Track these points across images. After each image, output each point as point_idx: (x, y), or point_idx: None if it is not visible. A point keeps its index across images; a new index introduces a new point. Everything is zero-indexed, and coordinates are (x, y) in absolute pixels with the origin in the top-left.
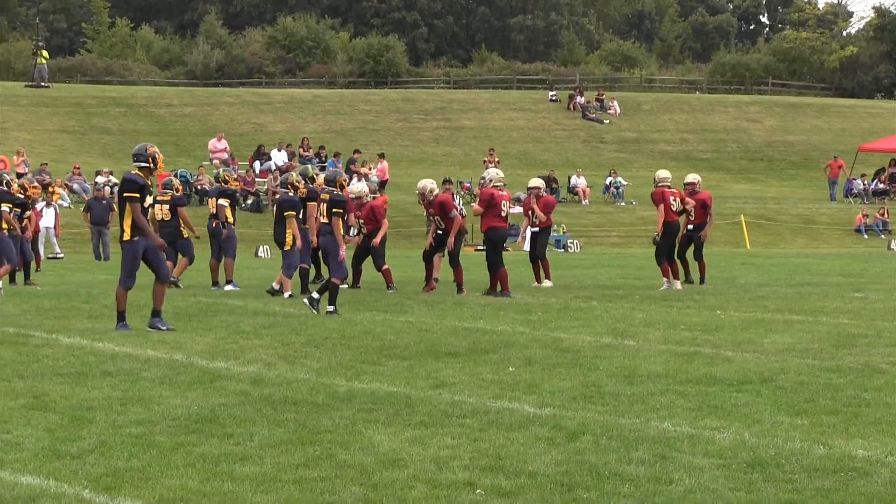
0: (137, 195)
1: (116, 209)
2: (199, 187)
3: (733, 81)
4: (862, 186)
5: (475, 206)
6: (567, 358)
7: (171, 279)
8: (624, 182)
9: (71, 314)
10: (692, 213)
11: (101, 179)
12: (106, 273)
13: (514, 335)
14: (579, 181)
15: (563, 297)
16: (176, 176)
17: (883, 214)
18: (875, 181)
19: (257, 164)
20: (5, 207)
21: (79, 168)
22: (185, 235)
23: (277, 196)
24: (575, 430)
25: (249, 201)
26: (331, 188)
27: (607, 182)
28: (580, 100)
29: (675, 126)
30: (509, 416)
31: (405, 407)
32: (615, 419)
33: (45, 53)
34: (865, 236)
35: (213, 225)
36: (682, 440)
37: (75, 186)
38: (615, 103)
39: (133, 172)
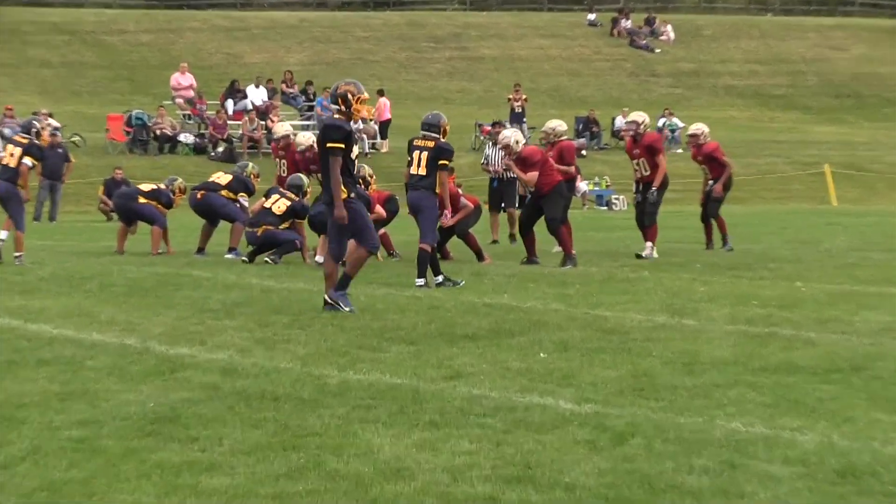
0: (342, 145)
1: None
2: (158, 132)
3: (813, 0)
4: None
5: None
6: (612, 342)
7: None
8: (680, 124)
9: None
10: (706, 170)
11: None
12: (46, 238)
13: (547, 313)
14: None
15: (607, 265)
16: (131, 118)
17: None
18: None
19: (230, 104)
20: None
21: (11, 109)
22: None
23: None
24: (622, 431)
25: (220, 149)
26: (433, 134)
27: (660, 124)
28: (626, 23)
29: (743, 55)
30: (540, 414)
31: (412, 403)
32: (672, 417)
33: None
34: None
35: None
36: (755, 443)
37: (6, 131)
38: (669, 28)
39: (335, 117)
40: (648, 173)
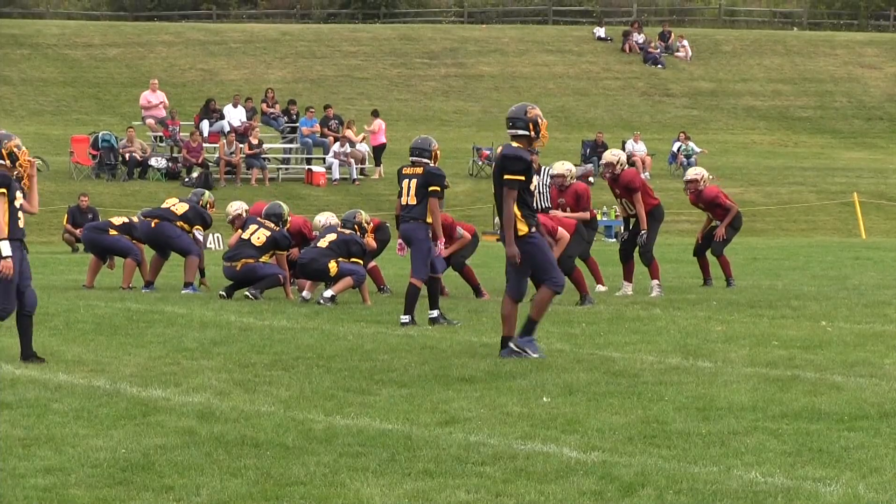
0: (522, 178)
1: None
2: (127, 156)
3: (843, 14)
4: None
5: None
6: (621, 385)
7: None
8: (697, 149)
9: None
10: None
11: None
12: None
13: (550, 354)
14: (637, 147)
15: (616, 303)
16: (97, 139)
17: None
18: None
19: (205, 125)
20: None
21: None
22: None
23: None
24: (631, 481)
25: (195, 174)
26: (423, 159)
27: (675, 148)
28: (638, 38)
29: (766, 73)
30: (543, 463)
31: (404, 450)
32: (685, 467)
33: None
34: None
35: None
36: (774, 495)
37: None
38: (685, 43)
39: (513, 145)
40: (634, 212)
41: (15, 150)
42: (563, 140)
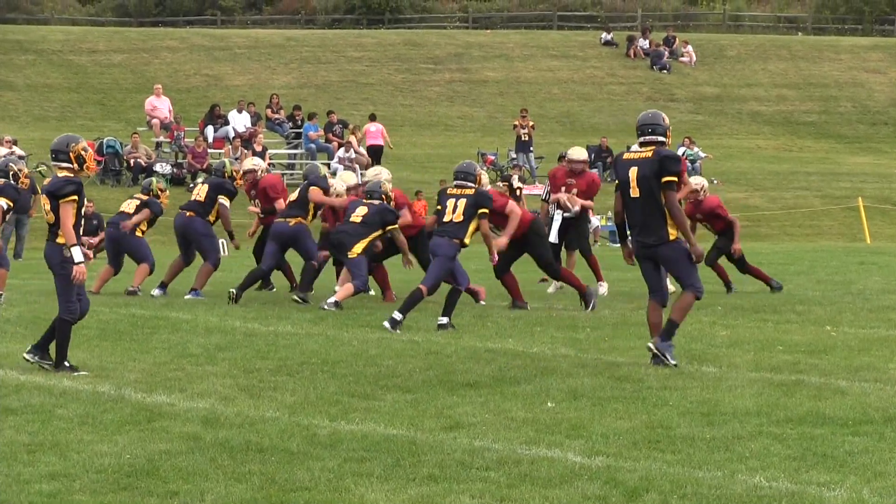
0: (676, 179)
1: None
2: (132, 161)
3: (848, 19)
4: None
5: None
6: (625, 390)
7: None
8: (702, 154)
9: None
10: (708, 226)
11: (1, 151)
12: (11, 276)
13: (555, 359)
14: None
15: (620, 308)
16: (102, 145)
17: None
18: None
19: (210, 131)
20: None
21: None
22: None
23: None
24: (636, 486)
25: (200, 180)
26: (468, 183)
27: (680, 153)
28: (643, 43)
29: (770, 79)
30: (548, 468)
31: (409, 455)
32: (689, 472)
33: None
34: None
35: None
36: (779, 500)
37: None
38: (690, 48)
39: (668, 149)
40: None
41: (83, 152)
42: (568, 145)
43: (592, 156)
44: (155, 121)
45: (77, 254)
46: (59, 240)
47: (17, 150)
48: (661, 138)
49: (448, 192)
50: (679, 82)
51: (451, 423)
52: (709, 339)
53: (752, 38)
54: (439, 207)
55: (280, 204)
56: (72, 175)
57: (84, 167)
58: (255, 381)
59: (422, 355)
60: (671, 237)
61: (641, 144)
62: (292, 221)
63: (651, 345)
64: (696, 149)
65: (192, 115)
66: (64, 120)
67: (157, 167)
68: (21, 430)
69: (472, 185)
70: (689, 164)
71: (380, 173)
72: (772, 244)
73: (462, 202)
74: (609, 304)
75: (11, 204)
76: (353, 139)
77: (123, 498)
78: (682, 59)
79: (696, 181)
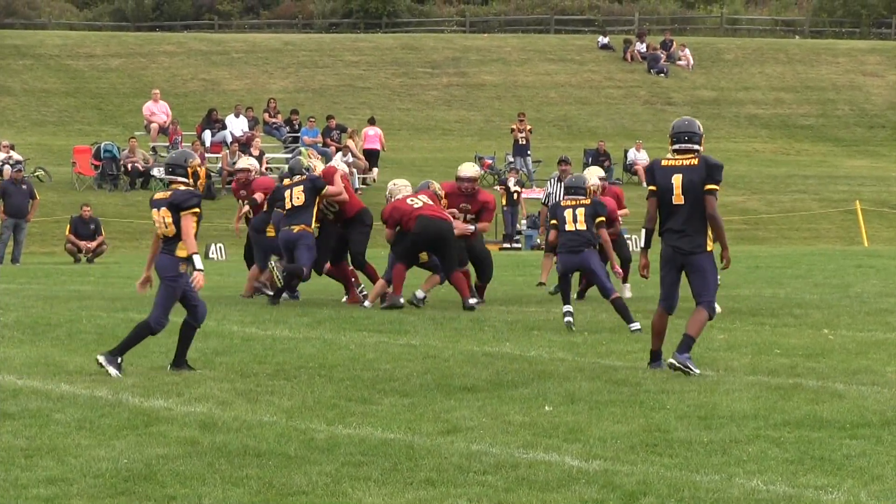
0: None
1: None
2: (129, 166)
3: (845, 22)
4: None
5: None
6: (623, 393)
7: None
8: None
9: None
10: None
11: None
12: (9, 281)
13: (552, 363)
14: (639, 156)
15: (613, 312)
16: (99, 150)
17: None
18: None
19: (207, 135)
20: None
21: None
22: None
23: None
24: (633, 490)
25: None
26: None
27: None
28: (640, 47)
29: (768, 82)
30: (545, 472)
31: (406, 460)
32: (687, 475)
33: None
34: None
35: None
36: (776, 503)
37: None
38: (687, 52)
39: (711, 157)
40: None
41: (198, 168)
42: (566, 149)
43: (590, 159)
44: (153, 125)
45: (198, 261)
46: (179, 252)
47: (15, 155)
48: (697, 146)
49: (563, 202)
50: (676, 86)
51: (449, 427)
52: (706, 343)
53: (749, 42)
54: (554, 221)
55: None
56: (192, 188)
57: (198, 183)
58: (252, 385)
59: (419, 359)
60: (708, 248)
61: (676, 152)
62: (296, 228)
63: (672, 360)
64: None
65: (189, 119)
66: (61, 124)
67: (155, 171)
68: (18, 435)
69: (585, 195)
70: None
71: (431, 182)
72: (769, 247)
73: (581, 211)
74: (607, 308)
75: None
76: (350, 143)
77: (120, 503)
78: (679, 62)
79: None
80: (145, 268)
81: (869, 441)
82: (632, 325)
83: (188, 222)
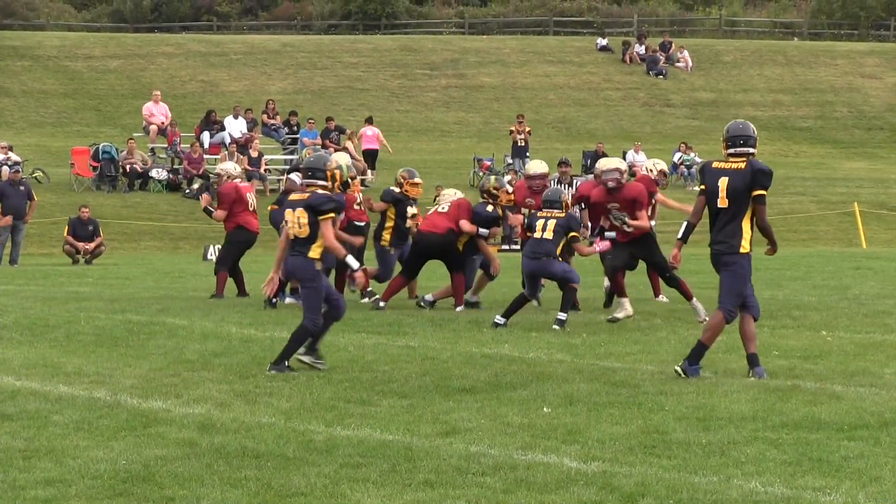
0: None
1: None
2: (128, 167)
3: (844, 24)
4: None
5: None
6: (621, 395)
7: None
8: (698, 159)
9: None
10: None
11: None
12: (7, 282)
13: (551, 364)
14: (638, 158)
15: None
16: (98, 151)
17: None
18: None
19: (206, 136)
20: None
21: None
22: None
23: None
24: (632, 491)
25: (196, 185)
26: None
27: (676, 159)
28: (639, 48)
29: (766, 84)
30: (544, 473)
31: (404, 461)
32: (685, 477)
33: None
34: None
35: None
36: None
37: None
38: (686, 53)
39: (759, 161)
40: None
41: (336, 171)
42: (564, 150)
43: (588, 161)
44: (152, 126)
45: (352, 262)
46: (312, 254)
47: (13, 156)
48: (752, 150)
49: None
50: (675, 87)
51: (447, 429)
52: None
53: (748, 44)
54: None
55: (220, 215)
56: (330, 192)
57: (335, 186)
58: (250, 386)
59: (418, 361)
60: (742, 249)
61: (730, 155)
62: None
63: (677, 368)
64: (692, 154)
65: (188, 120)
66: (60, 126)
67: (154, 173)
68: (17, 436)
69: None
70: (685, 170)
71: (487, 178)
72: None
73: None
74: (605, 310)
75: None
76: (349, 145)
77: (119, 503)
78: (678, 64)
79: (651, 163)
80: (273, 269)
81: (867, 443)
82: (560, 314)
83: (326, 227)
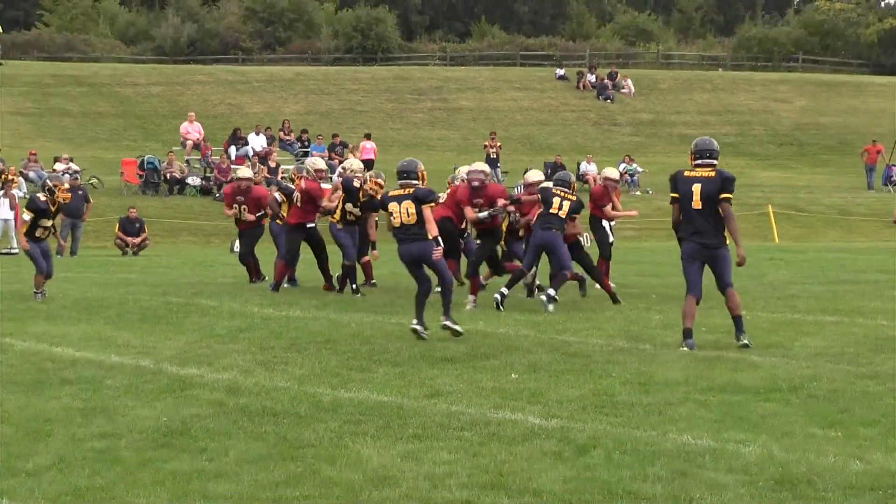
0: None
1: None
2: (168, 175)
3: (760, 57)
4: None
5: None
6: (576, 364)
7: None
8: (639, 169)
9: (26, 316)
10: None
11: (59, 167)
12: (68, 270)
13: (518, 338)
14: (590, 168)
15: (572, 296)
16: (143, 162)
17: None
18: None
19: (233, 150)
20: None
21: (35, 154)
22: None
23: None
24: (584, 443)
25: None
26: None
27: (621, 169)
28: (590, 77)
29: (696, 107)
30: (512, 429)
31: (397, 418)
32: (629, 431)
33: None
34: None
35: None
36: (703, 455)
37: (31, 174)
38: (629, 82)
39: (725, 170)
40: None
41: (423, 172)
42: (528, 162)
43: (549, 170)
44: (188, 142)
45: (440, 240)
46: (430, 235)
47: (73, 166)
48: (715, 161)
49: (553, 190)
50: (620, 110)
51: (432, 392)
52: (644, 322)
53: (681, 73)
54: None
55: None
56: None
57: (423, 183)
58: (269, 356)
59: (408, 335)
60: (726, 242)
61: (697, 165)
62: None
63: (746, 342)
64: (634, 164)
65: (217, 137)
66: (112, 141)
67: (189, 180)
68: (76, 398)
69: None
70: (629, 177)
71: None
72: None
73: (566, 203)
74: (562, 293)
75: (33, 214)
76: (351, 157)
77: (161, 454)
78: (623, 90)
79: (606, 172)
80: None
81: (780, 403)
82: (550, 290)
83: (429, 212)
